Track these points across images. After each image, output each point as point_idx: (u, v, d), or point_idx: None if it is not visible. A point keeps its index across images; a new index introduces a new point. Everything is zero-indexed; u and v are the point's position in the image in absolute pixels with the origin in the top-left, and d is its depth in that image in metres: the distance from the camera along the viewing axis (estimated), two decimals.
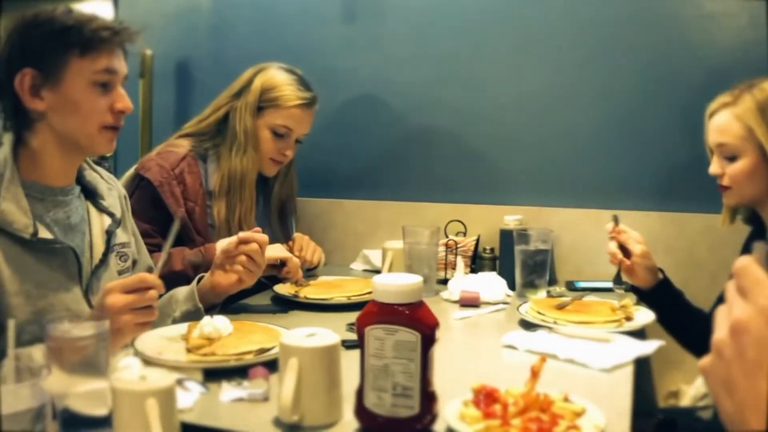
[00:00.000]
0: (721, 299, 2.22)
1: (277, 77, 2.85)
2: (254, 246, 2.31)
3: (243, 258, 2.30)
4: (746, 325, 0.90)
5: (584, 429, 1.45)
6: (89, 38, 1.89)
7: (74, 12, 1.93)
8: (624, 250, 2.48)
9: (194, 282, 2.33)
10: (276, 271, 2.60)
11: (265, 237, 2.35)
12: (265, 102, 2.82)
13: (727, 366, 0.92)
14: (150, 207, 2.64)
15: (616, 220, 2.53)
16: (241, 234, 2.35)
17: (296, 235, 2.97)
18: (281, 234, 3.05)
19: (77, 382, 1.41)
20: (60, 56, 1.88)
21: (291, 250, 2.85)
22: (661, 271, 2.51)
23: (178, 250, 2.60)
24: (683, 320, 2.50)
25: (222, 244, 2.46)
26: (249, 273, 2.31)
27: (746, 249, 2.36)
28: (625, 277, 2.54)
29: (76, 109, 1.92)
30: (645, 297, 2.50)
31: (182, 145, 2.83)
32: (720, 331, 0.94)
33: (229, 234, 2.62)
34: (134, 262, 2.22)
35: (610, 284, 2.62)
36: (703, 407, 2.68)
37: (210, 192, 2.81)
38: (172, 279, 2.45)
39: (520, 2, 3.28)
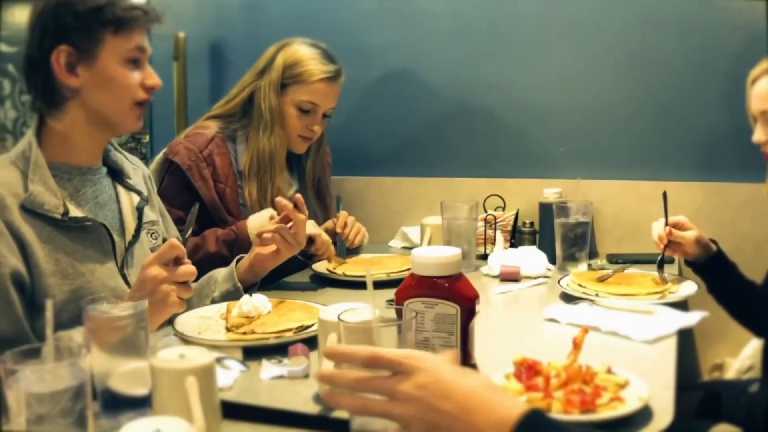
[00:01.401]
0: None
1: (300, 52, 2.82)
2: (300, 217, 2.31)
3: (283, 231, 2.30)
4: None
5: (628, 400, 1.44)
6: (122, 17, 1.91)
7: None
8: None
9: (233, 262, 2.34)
10: (306, 248, 2.55)
11: (303, 216, 2.34)
12: (289, 78, 2.80)
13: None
14: (181, 191, 2.64)
15: (664, 196, 2.48)
16: (283, 205, 2.33)
17: (342, 213, 2.96)
18: (320, 211, 3.05)
19: (117, 362, 1.42)
20: (95, 34, 1.90)
21: (335, 227, 2.87)
22: (715, 242, 2.47)
23: (210, 231, 2.61)
24: (735, 293, 2.46)
25: (253, 219, 2.49)
26: (288, 245, 2.32)
27: None
28: (676, 255, 2.50)
29: (111, 85, 1.94)
30: (698, 268, 2.47)
31: (210, 127, 2.82)
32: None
33: None
34: (164, 241, 2.23)
35: (652, 257, 2.59)
36: (749, 381, 2.65)
37: (240, 172, 2.80)
38: (208, 260, 2.46)
39: None
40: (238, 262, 2.35)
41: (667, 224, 2.41)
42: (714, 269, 2.45)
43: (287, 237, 2.31)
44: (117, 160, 2.15)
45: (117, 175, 2.14)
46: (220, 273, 2.33)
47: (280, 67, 2.79)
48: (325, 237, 2.63)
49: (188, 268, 1.80)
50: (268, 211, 2.49)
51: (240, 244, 2.43)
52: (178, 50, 3.55)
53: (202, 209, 2.56)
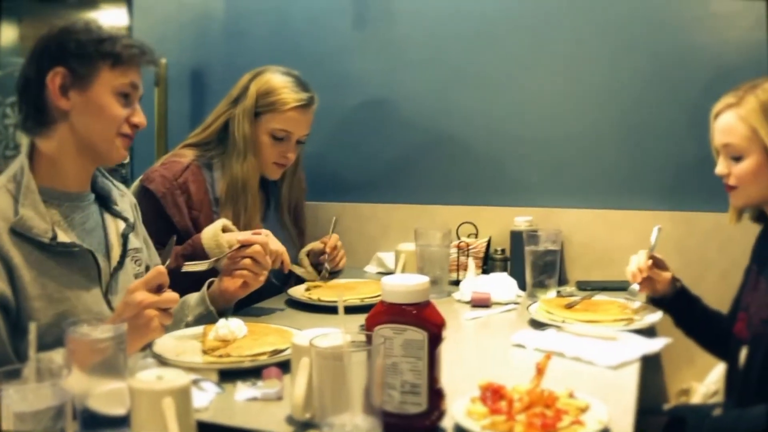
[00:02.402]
0: (738, 301, 2.25)
1: (273, 81, 2.85)
2: (256, 248, 2.35)
3: (246, 261, 2.35)
4: None
5: (588, 424, 1.49)
6: (120, 53, 1.99)
7: (106, 26, 2.04)
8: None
9: (204, 286, 2.37)
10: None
11: (264, 238, 2.39)
12: (263, 107, 2.83)
13: None
14: (155, 219, 2.64)
15: (657, 231, 2.54)
16: (240, 237, 2.39)
17: (334, 235, 3.01)
18: (296, 236, 3.08)
19: (96, 382, 1.45)
20: (93, 63, 1.96)
21: (324, 247, 2.94)
22: (678, 280, 2.53)
23: (175, 260, 2.58)
24: (701, 325, 2.52)
25: (207, 230, 2.51)
26: (253, 276, 2.36)
27: (758, 248, 2.39)
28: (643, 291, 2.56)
29: (98, 114, 1.99)
30: (662, 305, 2.52)
31: (186, 155, 2.84)
32: None
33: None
34: (147, 268, 2.27)
35: (621, 284, 2.64)
36: (713, 405, 2.71)
37: (217, 199, 2.82)
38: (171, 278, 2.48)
39: (528, 7, 3.32)
40: (210, 285, 2.38)
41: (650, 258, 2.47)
42: (679, 305, 2.51)
43: (254, 269, 2.35)
44: (105, 187, 2.19)
45: (104, 201, 2.18)
46: (192, 298, 2.36)
47: (254, 96, 2.82)
48: (279, 246, 2.59)
49: (172, 295, 1.85)
50: (221, 221, 2.50)
51: (197, 257, 2.45)
52: (160, 76, 3.59)
53: (176, 237, 2.61)
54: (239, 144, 2.82)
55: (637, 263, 2.45)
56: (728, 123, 2.19)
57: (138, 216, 2.35)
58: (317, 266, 3.01)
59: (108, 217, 2.16)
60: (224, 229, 2.52)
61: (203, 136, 2.89)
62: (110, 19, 3.97)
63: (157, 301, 1.82)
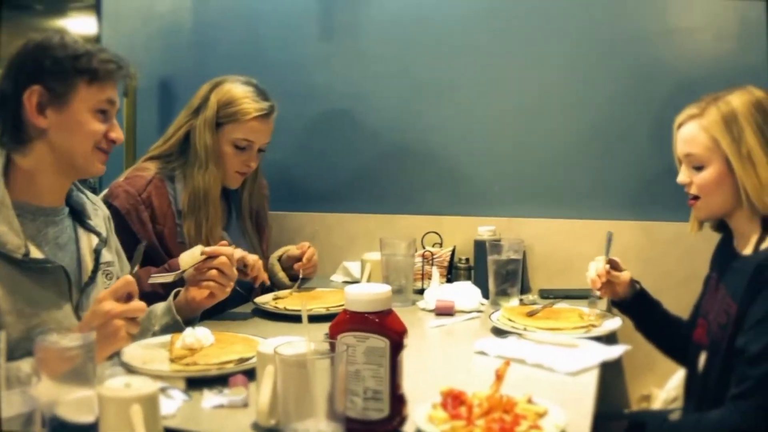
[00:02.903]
0: (698, 308, 2.29)
1: (233, 91, 2.86)
2: (222, 259, 2.37)
3: (212, 272, 2.36)
4: None
5: (545, 428, 1.53)
6: (98, 69, 2.00)
7: (81, 41, 2.04)
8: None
9: (171, 296, 2.39)
10: (241, 275, 2.58)
11: (230, 249, 2.41)
12: (224, 117, 2.84)
13: None
14: (120, 234, 2.57)
15: (609, 237, 2.59)
16: (206, 249, 2.40)
17: (312, 248, 3.03)
18: (258, 244, 3.09)
19: (65, 390, 1.46)
20: (69, 80, 1.97)
21: (300, 254, 2.97)
22: (637, 282, 2.59)
23: (143, 270, 2.59)
24: (661, 329, 2.57)
25: (184, 256, 2.49)
26: (220, 287, 2.37)
27: (717, 256, 2.43)
28: (607, 296, 2.60)
29: (77, 131, 2.00)
30: (623, 308, 2.57)
31: (149, 168, 2.84)
32: None
33: None
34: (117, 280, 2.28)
35: (582, 292, 2.69)
36: (672, 410, 2.76)
37: (180, 211, 2.82)
38: (143, 299, 2.49)
39: (493, 19, 3.36)
40: (176, 296, 2.40)
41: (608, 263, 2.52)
42: (639, 308, 2.55)
43: (220, 280, 2.37)
44: (79, 201, 2.20)
45: (78, 215, 2.18)
46: (159, 307, 2.37)
47: (215, 106, 2.83)
48: (255, 257, 2.64)
49: (139, 305, 1.86)
50: (198, 248, 2.50)
51: (173, 282, 2.44)
52: (129, 87, 3.60)
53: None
54: (201, 155, 2.83)
55: (595, 269, 2.50)
56: (691, 133, 2.22)
57: (111, 228, 2.36)
58: (289, 271, 3.04)
59: (81, 232, 2.17)
60: (202, 254, 2.53)
61: (164, 148, 2.90)
62: (79, 27, 3.97)
63: (124, 311, 1.83)
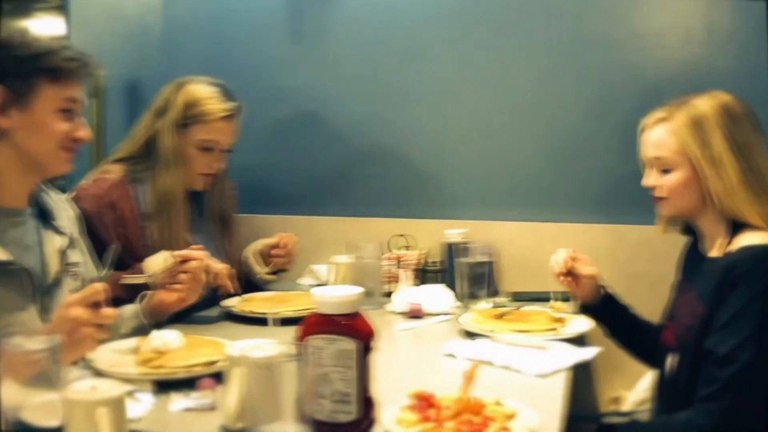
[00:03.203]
0: (672, 311, 2.29)
1: (198, 92, 2.84)
2: (193, 264, 2.36)
3: (183, 276, 2.35)
4: None
5: (515, 430, 1.53)
6: (60, 67, 1.97)
7: (45, 39, 2.03)
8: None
9: (138, 299, 2.37)
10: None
11: (201, 253, 2.40)
12: (189, 118, 2.81)
13: None
14: (87, 235, 2.54)
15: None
16: (179, 252, 2.39)
17: (294, 237, 3.07)
18: (226, 244, 3.09)
19: (30, 394, 1.44)
20: (32, 80, 1.95)
21: (278, 242, 3.01)
22: (603, 287, 2.59)
23: (111, 275, 2.49)
24: (632, 333, 2.57)
25: (149, 261, 2.47)
26: (191, 291, 2.36)
27: (684, 259, 2.45)
28: (570, 294, 2.62)
29: (41, 131, 1.98)
30: (592, 313, 2.57)
31: (114, 171, 2.81)
32: None
33: None
34: (83, 281, 2.26)
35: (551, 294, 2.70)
36: (643, 412, 2.77)
37: (144, 214, 2.79)
38: (110, 304, 2.47)
39: (460, 24, 3.37)
40: (142, 299, 2.38)
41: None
42: (608, 312, 2.56)
43: (191, 284, 2.35)
44: (44, 202, 2.18)
45: (43, 216, 2.16)
46: (127, 310, 2.35)
47: (180, 108, 2.81)
48: (221, 267, 2.59)
49: (109, 312, 1.84)
50: (163, 254, 2.48)
51: (139, 286, 2.42)
52: (97, 88, 3.58)
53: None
54: (165, 156, 2.80)
55: (558, 257, 2.54)
56: (659, 137, 2.23)
57: (82, 228, 2.34)
58: (267, 261, 3.06)
59: (46, 233, 2.14)
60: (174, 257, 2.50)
61: (129, 151, 2.87)
62: (46, 28, 3.94)
63: (93, 318, 1.80)
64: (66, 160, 2.06)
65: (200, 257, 2.38)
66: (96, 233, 2.65)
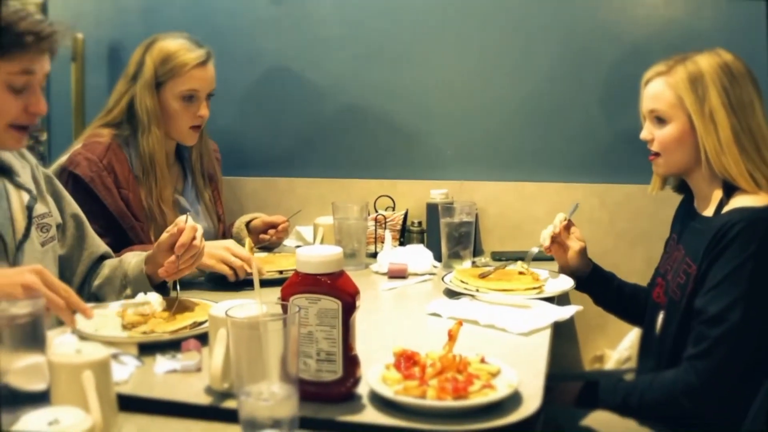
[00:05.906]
0: (663, 268, 2.31)
1: (167, 47, 2.84)
2: (195, 248, 2.24)
3: (188, 260, 2.23)
4: None
5: (498, 387, 1.55)
6: (9, 42, 1.87)
7: (4, 10, 1.90)
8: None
9: (143, 255, 2.33)
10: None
11: (196, 227, 2.29)
12: (163, 75, 2.82)
13: None
14: (85, 202, 2.55)
15: (574, 207, 2.62)
16: (181, 241, 2.21)
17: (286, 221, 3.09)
18: (214, 206, 3.10)
19: (14, 358, 1.44)
20: None
21: (277, 221, 3.06)
22: (590, 260, 2.60)
23: (127, 251, 2.52)
24: (620, 301, 2.59)
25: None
26: (190, 266, 2.28)
27: (678, 216, 2.46)
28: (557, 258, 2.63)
29: None
30: (581, 285, 2.58)
31: (104, 134, 2.81)
32: None
33: (160, 216, 2.73)
34: (58, 227, 2.25)
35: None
36: (625, 370, 2.80)
37: (137, 177, 2.81)
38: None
39: None
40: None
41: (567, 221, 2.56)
42: (595, 284, 2.58)
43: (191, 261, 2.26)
44: (5, 159, 2.15)
45: (6, 172, 2.14)
46: (131, 261, 2.33)
47: (152, 67, 2.82)
48: (246, 254, 2.59)
49: (58, 302, 1.72)
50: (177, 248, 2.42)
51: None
52: (77, 51, 3.56)
53: (111, 219, 2.64)
54: (144, 119, 2.81)
55: (553, 224, 2.55)
56: (656, 89, 2.24)
57: (42, 178, 2.28)
58: (255, 236, 3.08)
59: (11, 189, 2.12)
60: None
61: (109, 119, 2.87)
62: None
63: (45, 293, 1.69)
64: (14, 140, 1.99)
65: (198, 246, 2.26)
66: (97, 197, 2.67)
